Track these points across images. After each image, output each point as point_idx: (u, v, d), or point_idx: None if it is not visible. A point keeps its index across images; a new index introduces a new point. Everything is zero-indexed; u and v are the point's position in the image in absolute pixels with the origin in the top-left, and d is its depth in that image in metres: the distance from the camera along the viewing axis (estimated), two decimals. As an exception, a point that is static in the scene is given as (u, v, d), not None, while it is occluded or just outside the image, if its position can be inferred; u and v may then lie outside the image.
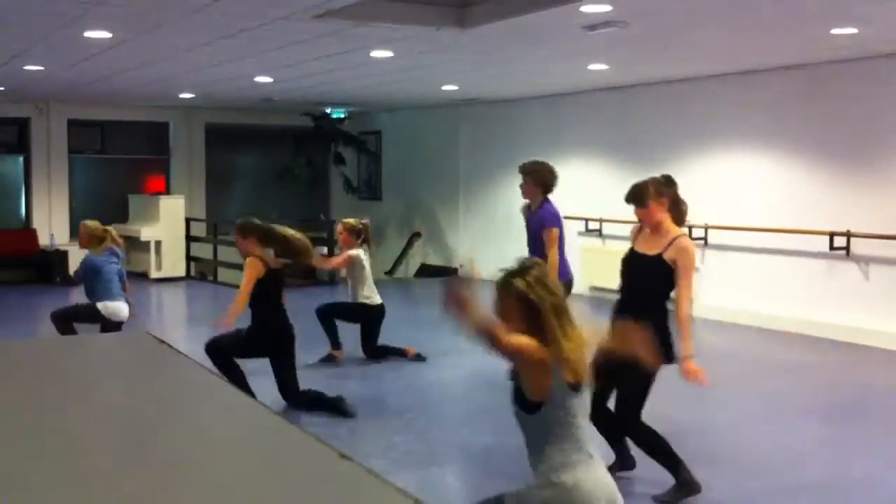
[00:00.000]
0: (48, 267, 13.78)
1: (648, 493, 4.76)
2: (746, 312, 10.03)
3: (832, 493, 5.08)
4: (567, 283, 6.51)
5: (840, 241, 9.09)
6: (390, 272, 15.68)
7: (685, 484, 4.68)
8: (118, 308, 7.49)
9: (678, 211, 4.90)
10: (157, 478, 2.01)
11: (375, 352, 8.04)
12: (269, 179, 15.65)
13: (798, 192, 9.62)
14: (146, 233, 13.89)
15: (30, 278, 13.83)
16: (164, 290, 13.26)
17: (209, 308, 12.49)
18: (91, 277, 7.54)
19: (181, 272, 14.36)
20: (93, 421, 2.49)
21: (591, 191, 11.88)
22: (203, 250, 14.86)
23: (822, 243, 9.21)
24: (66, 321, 7.54)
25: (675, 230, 4.79)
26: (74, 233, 14.54)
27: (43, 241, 14.22)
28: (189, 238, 14.64)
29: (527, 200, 6.81)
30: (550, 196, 6.74)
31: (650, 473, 4.86)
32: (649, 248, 4.78)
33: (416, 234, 15.45)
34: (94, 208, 14.10)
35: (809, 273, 9.51)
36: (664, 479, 4.73)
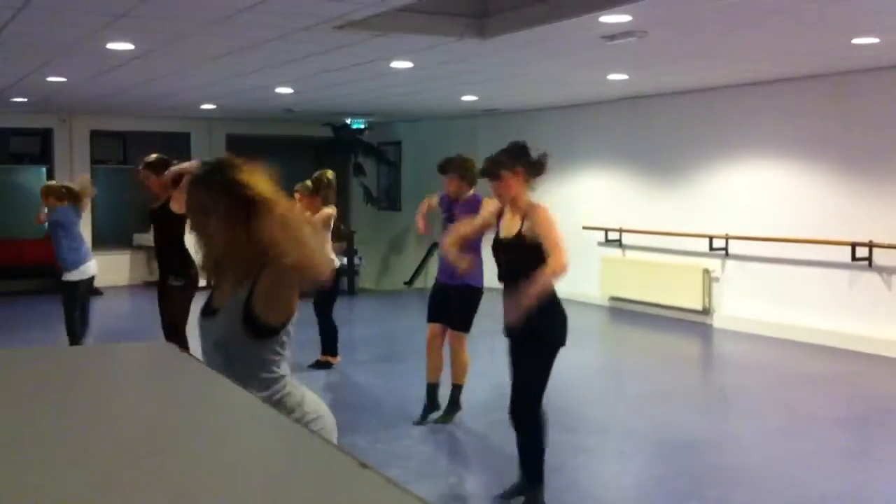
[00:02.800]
0: (70, 276, 13.87)
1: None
2: (767, 323, 9.97)
3: (854, 506, 5.04)
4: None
5: (862, 252, 9.03)
6: (409, 282, 15.70)
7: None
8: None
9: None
10: (172, 490, 2.03)
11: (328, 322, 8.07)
12: (289, 190, 15.68)
13: (819, 202, 9.57)
14: (167, 242, 13.95)
15: (52, 287, 13.92)
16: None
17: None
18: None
19: (201, 283, 14.41)
20: (105, 431, 2.51)
21: (611, 201, 11.86)
22: (224, 260, 14.92)
23: (844, 254, 9.16)
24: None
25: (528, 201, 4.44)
26: (97, 243, 14.68)
27: (65, 250, 14.33)
28: (209, 248, 14.71)
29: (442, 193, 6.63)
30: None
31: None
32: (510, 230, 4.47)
33: (435, 245, 15.45)
34: (117, 218, 14.22)
35: (831, 283, 9.45)
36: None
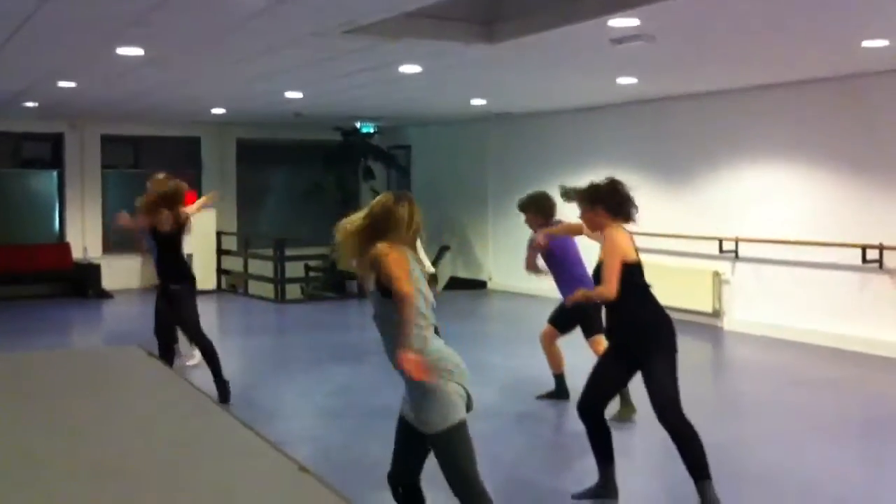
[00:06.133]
0: (82, 280, 13.95)
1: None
2: (778, 326, 9.94)
3: (865, 510, 5.02)
4: None
5: (873, 254, 9.00)
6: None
7: (708, 500, 4.52)
8: None
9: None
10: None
11: None
12: (299, 195, 15.75)
13: (830, 204, 9.54)
14: (178, 246, 14.01)
15: (64, 292, 14.01)
16: (197, 301, 13.36)
17: (242, 320, 12.60)
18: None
19: (212, 285, 14.48)
20: (54, 433, 2.56)
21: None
22: (234, 263, 14.99)
23: (855, 256, 9.13)
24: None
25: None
26: (107, 247, 14.77)
27: (77, 254, 14.41)
28: (220, 251, 14.77)
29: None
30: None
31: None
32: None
33: (446, 248, 15.47)
34: (127, 223, 14.24)
35: (842, 286, 9.41)
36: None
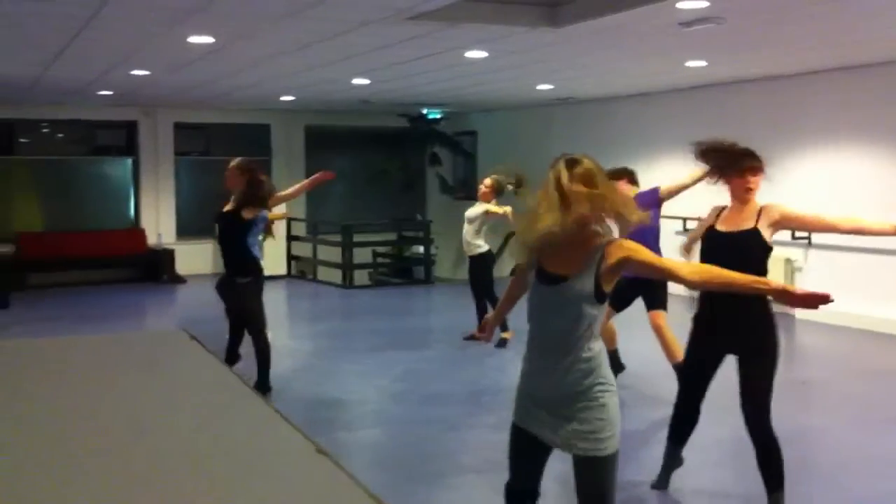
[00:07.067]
0: (156, 265, 14.26)
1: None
2: (851, 314, 9.72)
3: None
4: None
5: (952, 241, 8.74)
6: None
7: None
8: None
9: None
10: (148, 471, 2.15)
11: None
12: (366, 180, 15.85)
13: (906, 189, 9.28)
14: (248, 232, 14.24)
15: (138, 276, 14.34)
16: (267, 288, 13.58)
17: (311, 305, 12.76)
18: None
19: (282, 271, 14.69)
20: (92, 416, 2.64)
21: (688, 190, 11.65)
22: (303, 249, 15.18)
23: (933, 243, 8.87)
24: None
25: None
26: (181, 232, 15.08)
27: (151, 240, 14.74)
28: (290, 237, 14.97)
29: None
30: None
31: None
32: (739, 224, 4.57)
33: (512, 234, 15.43)
34: (200, 208, 14.54)
35: (919, 274, 9.16)
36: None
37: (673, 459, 4.84)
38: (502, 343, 8.48)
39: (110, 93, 12.12)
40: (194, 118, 15.11)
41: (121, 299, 12.54)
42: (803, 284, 10.36)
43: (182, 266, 14.44)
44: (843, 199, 9.88)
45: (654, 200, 6.60)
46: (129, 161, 15.15)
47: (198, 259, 14.79)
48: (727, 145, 4.63)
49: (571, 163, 3.04)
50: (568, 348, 3.00)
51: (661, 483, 4.87)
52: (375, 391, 7.28)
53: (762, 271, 4.26)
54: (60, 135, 15.14)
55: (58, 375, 3.10)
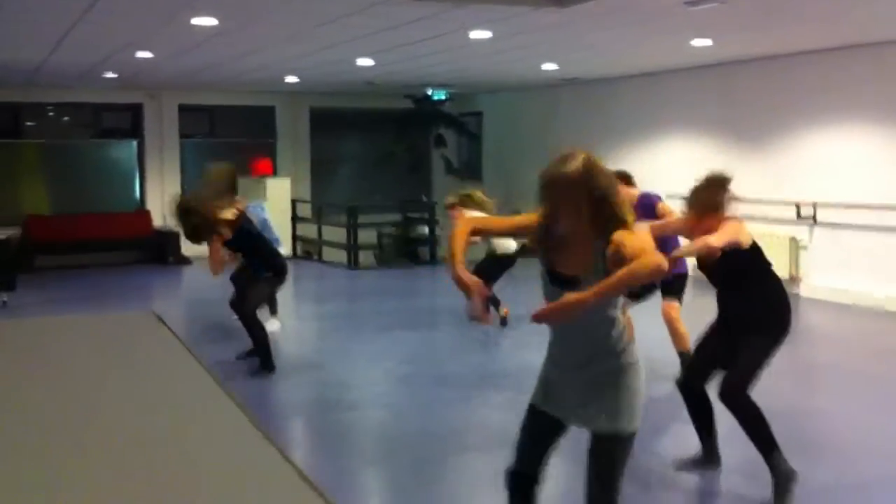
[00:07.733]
0: (161, 247, 14.29)
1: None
2: (857, 293, 9.72)
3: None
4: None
5: (958, 220, 8.73)
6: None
7: (781, 473, 4.35)
8: None
9: None
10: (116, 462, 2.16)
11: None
12: (372, 162, 15.85)
13: (913, 168, 9.26)
14: (254, 214, 14.27)
15: (144, 258, 14.38)
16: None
17: (316, 286, 12.79)
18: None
19: (288, 252, 14.70)
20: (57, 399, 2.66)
21: (694, 170, 11.63)
22: (308, 230, 15.20)
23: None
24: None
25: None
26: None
27: (156, 222, 14.76)
28: (295, 219, 14.99)
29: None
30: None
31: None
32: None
33: (516, 213, 15.45)
34: (204, 191, 14.53)
35: (924, 253, 9.15)
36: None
37: (705, 454, 4.79)
38: (504, 321, 8.46)
39: (115, 75, 12.12)
40: (199, 100, 15.12)
41: (126, 281, 12.58)
42: (808, 263, 10.36)
43: (188, 248, 14.46)
44: (852, 178, 9.87)
45: (652, 210, 6.39)
46: (135, 143, 15.16)
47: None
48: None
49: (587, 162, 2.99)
50: (591, 340, 3.05)
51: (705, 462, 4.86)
52: (381, 371, 7.31)
53: None
54: (66, 118, 15.16)
55: (12, 355, 3.13)
